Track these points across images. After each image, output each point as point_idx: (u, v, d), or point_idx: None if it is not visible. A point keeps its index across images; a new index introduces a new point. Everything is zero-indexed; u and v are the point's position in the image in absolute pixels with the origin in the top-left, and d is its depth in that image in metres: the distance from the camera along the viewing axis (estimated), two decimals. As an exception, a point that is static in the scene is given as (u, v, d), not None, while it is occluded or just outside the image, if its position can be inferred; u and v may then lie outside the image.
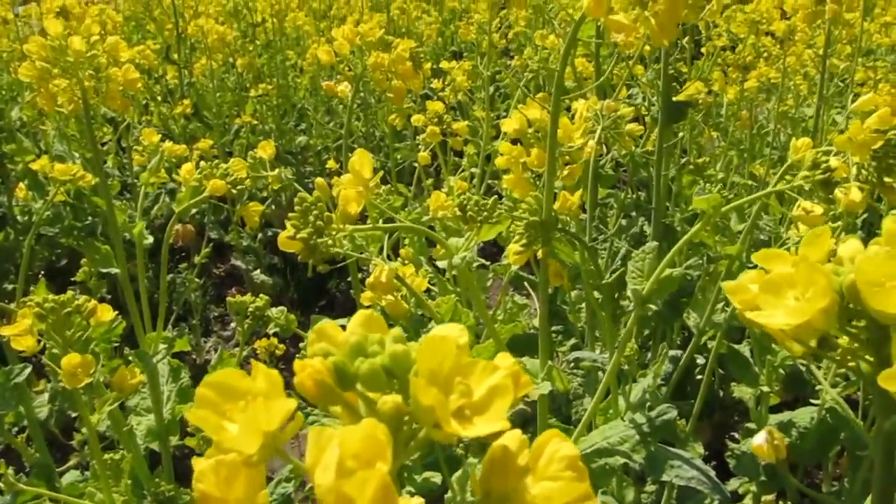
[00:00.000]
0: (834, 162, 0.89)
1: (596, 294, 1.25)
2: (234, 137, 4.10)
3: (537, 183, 1.02)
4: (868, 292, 0.36)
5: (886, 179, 0.92)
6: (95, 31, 1.38)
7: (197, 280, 3.73)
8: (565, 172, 0.94)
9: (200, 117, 4.10)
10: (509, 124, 0.97)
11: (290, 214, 0.74)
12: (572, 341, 1.92)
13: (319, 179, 0.76)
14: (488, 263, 1.87)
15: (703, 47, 2.91)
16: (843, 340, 0.42)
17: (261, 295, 1.41)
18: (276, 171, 1.47)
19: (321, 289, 3.71)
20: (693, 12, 1.26)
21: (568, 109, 1.44)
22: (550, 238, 0.89)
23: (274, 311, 1.38)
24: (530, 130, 0.95)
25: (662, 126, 1.32)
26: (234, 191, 1.19)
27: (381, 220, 1.37)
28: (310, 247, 0.74)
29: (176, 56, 4.12)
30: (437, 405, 0.28)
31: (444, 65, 2.21)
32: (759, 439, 0.87)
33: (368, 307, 1.26)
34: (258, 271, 3.94)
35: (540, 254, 0.91)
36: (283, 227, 0.93)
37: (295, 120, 4.35)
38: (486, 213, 0.86)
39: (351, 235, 1.17)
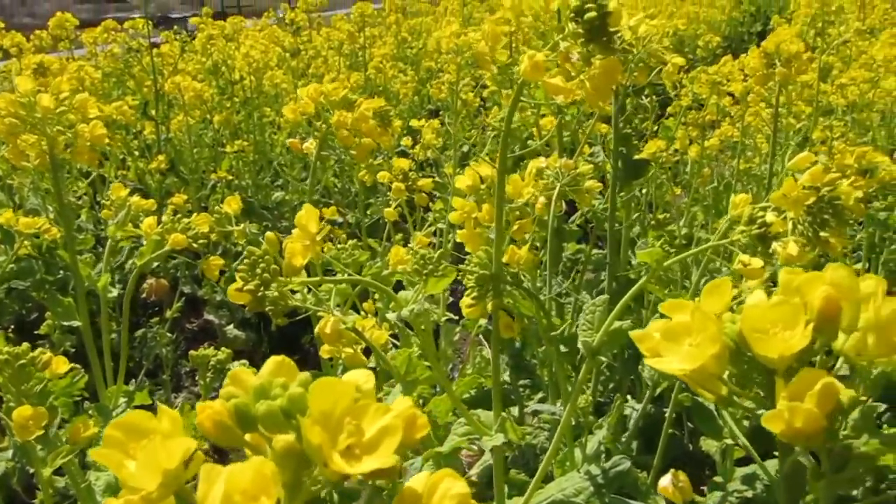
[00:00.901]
0: (770, 217, 0.93)
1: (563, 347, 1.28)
2: (210, 192, 4.13)
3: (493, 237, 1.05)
4: (752, 339, 0.38)
5: (822, 234, 0.96)
6: (66, 89, 1.40)
7: (168, 335, 3.70)
8: (515, 227, 0.97)
9: (177, 172, 4.14)
10: (462, 181, 1.00)
11: (239, 267, 0.76)
12: (540, 395, 1.93)
13: (269, 234, 0.78)
14: (456, 318, 1.89)
15: (670, 107, 3.00)
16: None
17: (223, 348, 1.41)
18: (242, 226, 1.49)
19: (294, 344, 3.70)
20: (643, 74, 1.31)
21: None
22: (500, 291, 0.91)
23: (235, 365, 1.38)
24: (483, 187, 0.99)
25: (613, 184, 1.36)
26: (195, 245, 1.21)
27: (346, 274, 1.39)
28: (257, 299, 0.76)
29: (154, 112, 4.17)
30: (324, 444, 0.30)
31: (413, 123, 2.26)
32: (665, 482, 0.89)
33: (329, 359, 1.27)
34: (231, 326, 3.92)
35: (490, 307, 0.93)
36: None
37: (271, 175, 4.39)
38: (431, 267, 0.89)
39: (315, 289, 1.19)
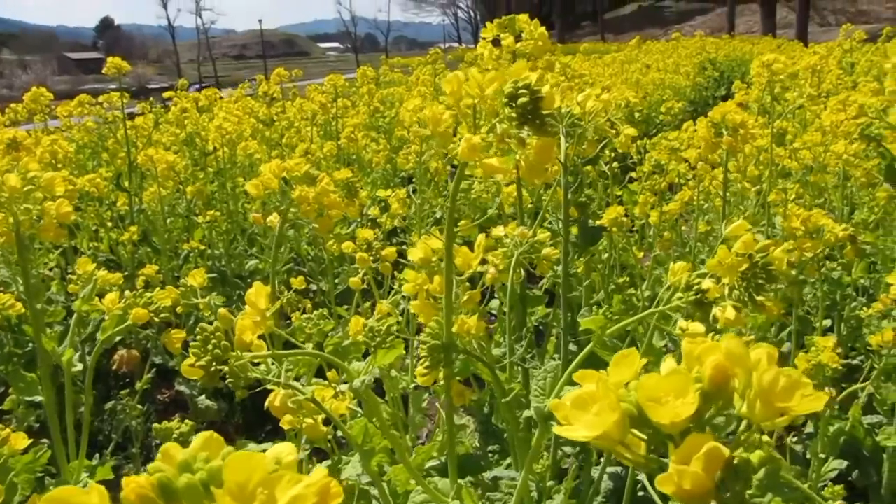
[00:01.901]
0: (706, 283, 0.97)
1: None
2: (183, 262, 4.14)
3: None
4: (647, 406, 0.41)
5: (759, 298, 1.00)
6: (34, 168, 1.44)
7: (139, 406, 3.66)
8: (465, 298, 1.00)
9: (150, 243, 4.15)
10: (414, 254, 1.04)
11: (192, 343, 0.79)
12: (508, 460, 1.94)
13: (222, 310, 0.81)
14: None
15: (634, 172, 3.09)
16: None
17: (186, 420, 1.42)
18: (207, 298, 1.51)
19: (266, 414, 3.67)
20: (591, 146, 1.37)
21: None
22: (451, 360, 0.94)
23: (196, 437, 1.38)
24: (434, 259, 1.02)
25: (565, 251, 1.40)
26: (156, 319, 1.23)
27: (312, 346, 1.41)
28: (210, 374, 0.78)
29: (127, 183, 4.21)
30: (235, 514, 0.33)
31: (380, 193, 2.32)
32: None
33: (290, 429, 1.29)
34: (203, 397, 3.89)
35: (442, 375, 0.96)
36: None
37: (245, 244, 4.42)
38: (378, 340, 0.92)
39: (279, 361, 1.21)
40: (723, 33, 28.88)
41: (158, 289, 1.40)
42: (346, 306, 2.59)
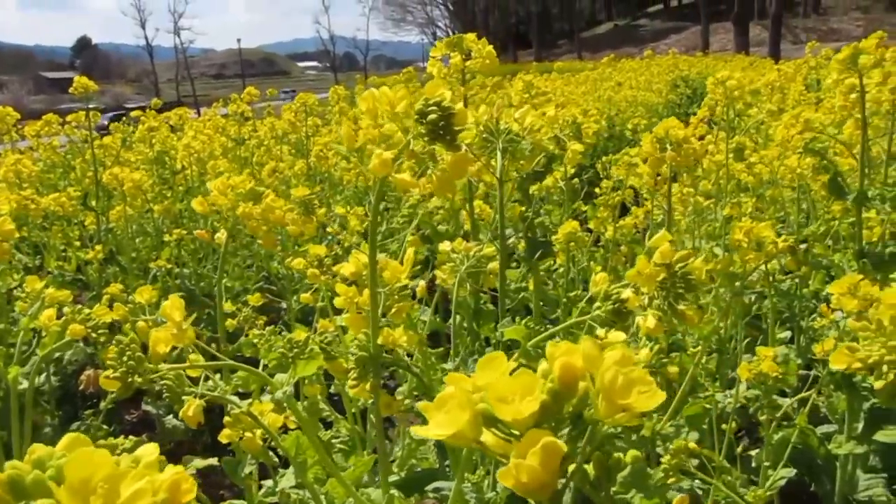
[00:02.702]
0: (626, 293, 1.00)
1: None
2: (151, 281, 4.12)
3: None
4: (494, 405, 0.44)
5: (680, 307, 1.03)
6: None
7: (105, 427, 3.63)
8: (393, 311, 1.03)
9: (118, 262, 4.14)
10: (346, 268, 1.06)
11: (108, 355, 0.80)
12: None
13: (140, 323, 0.83)
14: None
15: (597, 187, 3.14)
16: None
17: (129, 437, 1.42)
18: (154, 315, 1.53)
19: (234, 431, 3.66)
20: (529, 162, 1.41)
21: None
22: (378, 372, 0.96)
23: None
24: (365, 273, 1.05)
25: (502, 266, 1.43)
26: (94, 335, 1.24)
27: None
28: (126, 385, 0.79)
29: (94, 202, 4.20)
30: (74, 506, 0.35)
31: (338, 209, 2.34)
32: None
33: (227, 444, 1.30)
34: (170, 416, 3.87)
35: (368, 386, 0.98)
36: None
37: (214, 262, 4.41)
38: (296, 351, 0.94)
39: (227, 376, 1.22)
40: (697, 51, 29.32)
41: (105, 306, 1.41)
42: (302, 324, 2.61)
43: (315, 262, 1.82)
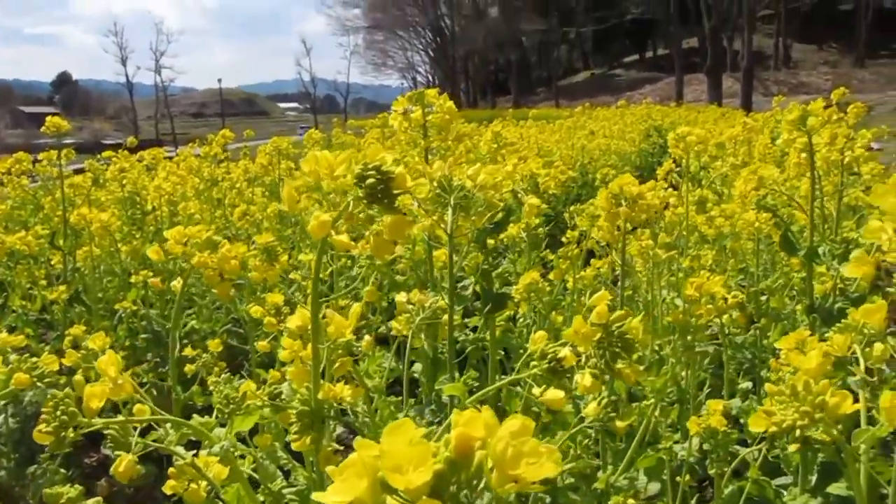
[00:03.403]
0: (564, 352, 1.02)
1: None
2: (117, 322, 4.08)
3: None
4: (388, 475, 0.46)
5: (618, 366, 1.06)
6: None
7: (63, 471, 3.57)
8: (336, 365, 1.04)
9: (83, 302, 4.10)
10: (292, 321, 1.08)
11: (43, 409, 0.81)
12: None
13: (77, 377, 0.84)
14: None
15: (563, 236, 3.18)
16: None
17: (75, 486, 1.41)
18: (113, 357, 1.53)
19: (195, 477, 3.61)
20: (480, 218, 1.44)
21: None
22: (320, 427, 0.97)
23: (90, 501, 1.38)
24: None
25: (450, 319, 1.45)
26: (40, 384, 1.24)
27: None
28: (59, 439, 0.80)
29: (61, 242, 4.17)
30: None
31: (302, 257, 2.36)
32: None
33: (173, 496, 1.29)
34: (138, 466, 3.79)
35: (308, 440, 0.99)
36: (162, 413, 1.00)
37: (185, 303, 4.38)
38: (233, 406, 0.95)
39: (177, 426, 1.22)
40: (671, 101, 29.91)
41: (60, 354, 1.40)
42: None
43: (272, 310, 1.84)
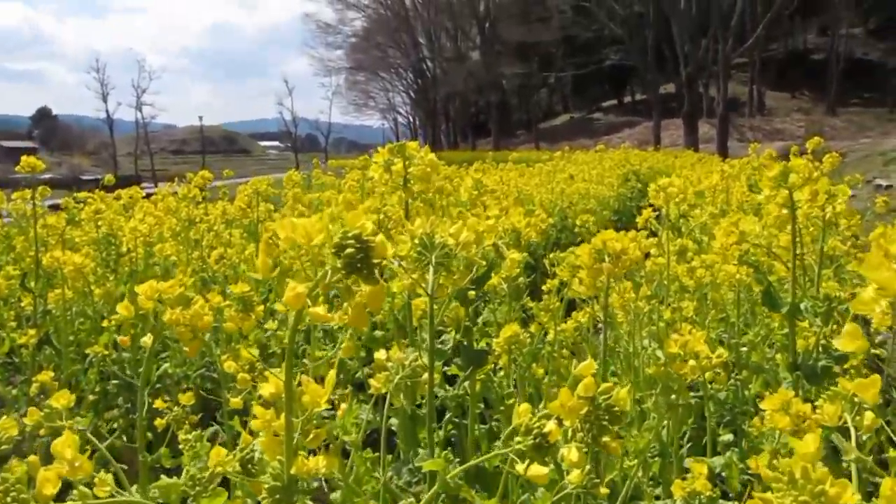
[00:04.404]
0: (549, 426, 0.98)
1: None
2: (88, 367, 3.98)
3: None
4: None
5: (604, 439, 1.02)
6: None
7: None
8: (311, 437, 0.99)
9: (53, 346, 4.00)
10: (265, 389, 1.03)
11: (-7, 494, 0.75)
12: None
13: (31, 457, 0.79)
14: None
15: (544, 284, 3.16)
16: None
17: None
18: (70, 422, 1.46)
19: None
20: (463, 277, 1.40)
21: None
22: (291, 501, 0.92)
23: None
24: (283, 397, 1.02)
25: (430, 382, 1.41)
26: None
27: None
28: (9, 528, 0.75)
29: (32, 283, 4.08)
30: None
31: (278, 307, 2.31)
32: None
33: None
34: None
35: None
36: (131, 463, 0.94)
37: (159, 346, 4.29)
38: (199, 489, 0.89)
39: (145, 486, 1.15)
40: (649, 145, 30.33)
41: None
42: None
43: (246, 366, 1.78)
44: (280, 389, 1.01)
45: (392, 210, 2.20)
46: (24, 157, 3.92)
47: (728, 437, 2.99)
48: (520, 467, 0.94)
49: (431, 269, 1.32)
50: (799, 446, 0.79)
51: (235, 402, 1.74)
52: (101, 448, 1.55)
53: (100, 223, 4.32)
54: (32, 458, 0.79)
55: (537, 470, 0.97)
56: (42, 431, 1.48)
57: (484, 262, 1.90)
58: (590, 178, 12.05)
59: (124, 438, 3.69)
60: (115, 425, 3.88)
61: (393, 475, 1.85)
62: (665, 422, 2.10)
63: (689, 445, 2.84)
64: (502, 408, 2.42)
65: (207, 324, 1.43)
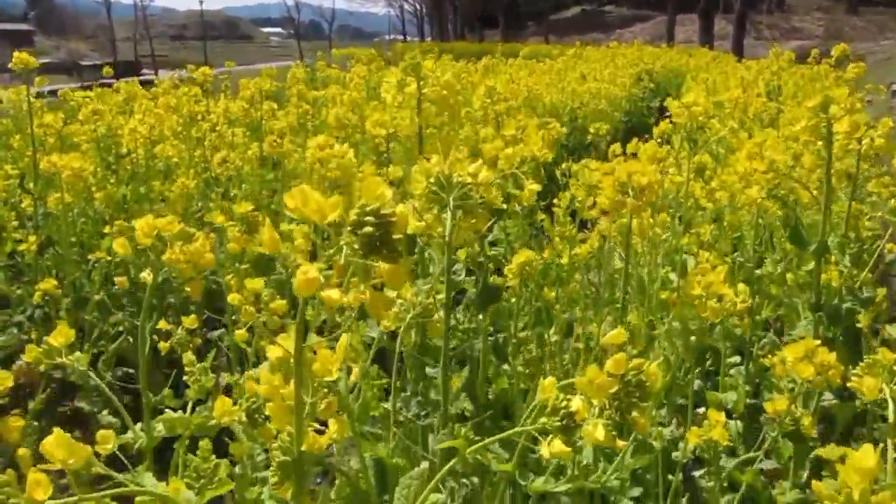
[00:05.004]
0: (575, 404, 0.92)
1: None
2: (91, 270, 3.93)
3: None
4: None
5: (633, 415, 0.96)
6: None
7: (34, 422, 3.48)
8: (322, 407, 0.93)
9: (55, 249, 3.95)
10: (273, 352, 0.96)
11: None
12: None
13: (21, 450, 0.72)
14: None
15: (555, 199, 3.06)
16: None
17: (9, 470, 1.31)
18: (74, 355, 1.41)
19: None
20: (482, 220, 1.31)
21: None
22: (301, 478, 0.87)
23: None
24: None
25: (448, 320, 1.34)
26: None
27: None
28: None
29: (31, 185, 3.99)
30: None
31: (284, 227, 2.21)
32: None
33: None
34: (105, 412, 3.72)
35: (290, 494, 0.89)
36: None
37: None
38: (204, 481, 0.84)
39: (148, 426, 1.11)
40: (662, 41, 29.45)
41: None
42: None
43: (251, 298, 1.72)
44: (287, 355, 0.94)
45: (402, 125, 2.08)
46: (16, 54, 3.75)
47: (735, 358, 2.96)
48: (543, 451, 0.88)
49: (450, 212, 1.23)
50: (855, 459, 0.73)
51: (241, 334, 1.68)
52: (103, 388, 1.51)
53: (98, 124, 4.18)
54: (23, 451, 0.73)
55: (560, 448, 0.91)
56: (43, 366, 1.43)
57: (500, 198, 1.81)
58: (601, 78, 11.70)
59: (130, 340, 3.69)
60: (121, 328, 3.88)
61: (402, 406, 1.82)
62: (675, 354, 2.06)
63: (696, 370, 2.81)
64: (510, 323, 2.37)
65: (209, 262, 1.35)
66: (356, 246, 0.72)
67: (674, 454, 1.82)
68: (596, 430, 0.92)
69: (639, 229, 2.30)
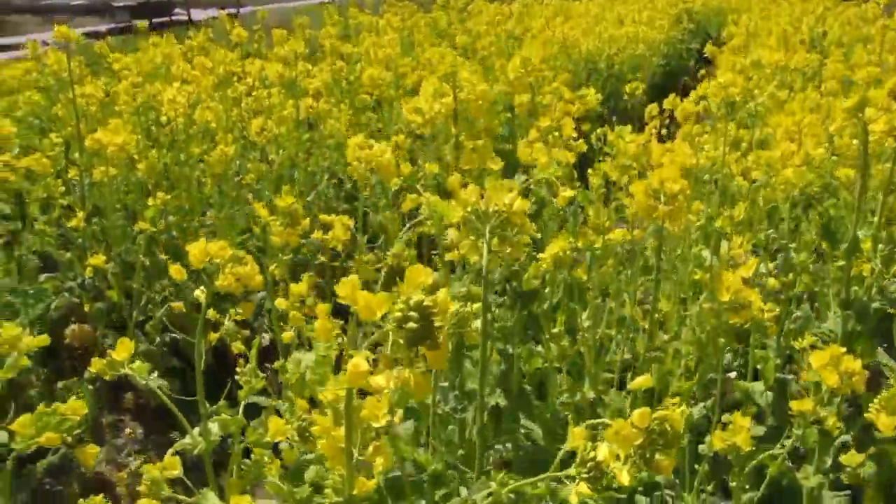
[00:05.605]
0: (601, 454, 0.99)
1: None
2: (134, 242, 4.06)
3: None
4: None
5: (657, 458, 1.03)
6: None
7: (89, 386, 3.67)
8: (370, 450, 1.02)
9: (101, 220, 4.07)
10: (326, 394, 1.04)
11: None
12: None
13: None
14: None
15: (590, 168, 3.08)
16: None
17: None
18: (135, 364, 1.52)
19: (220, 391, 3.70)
20: (517, 250, 1.37)
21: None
22: (353, 517, 0.96)
23: None
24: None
25: (485, 342, 1.41)
26: (68, 437, 1.23)
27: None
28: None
29: (77, 155, 4.11)
30: None
31: (322, 218, 2.29)
32: None
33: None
34: (155, 374, 3.89)
35: (341, 534, 0.98)
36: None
37: (199, 219, 4.35)
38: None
39: None
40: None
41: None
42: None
43: (297, 301, 1.81)
44: (338, 400, 1.02)
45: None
46: (56, 27, 3.83)
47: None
48: (573, 500, 0.96)
49: (486, 244, 1.29)
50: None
51: (288, 336, 1.77)
52: (158, 394, 1.62)
53: (136, 97, 4.27)
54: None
55: (586, 490, 0.99)
56: (107, 376, 1.54)
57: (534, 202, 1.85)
58: (640, 20, 11.43)
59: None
60: (167, 293, 4.03)
61: (440, 399, 1.91)
62: (707, 344, 2.11)
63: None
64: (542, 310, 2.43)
65: (259, 284, 1.43)
66: (401, 341, 0.79)
67: (700, 447, 1.89)
68: (621, 476, 0.99)
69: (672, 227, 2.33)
